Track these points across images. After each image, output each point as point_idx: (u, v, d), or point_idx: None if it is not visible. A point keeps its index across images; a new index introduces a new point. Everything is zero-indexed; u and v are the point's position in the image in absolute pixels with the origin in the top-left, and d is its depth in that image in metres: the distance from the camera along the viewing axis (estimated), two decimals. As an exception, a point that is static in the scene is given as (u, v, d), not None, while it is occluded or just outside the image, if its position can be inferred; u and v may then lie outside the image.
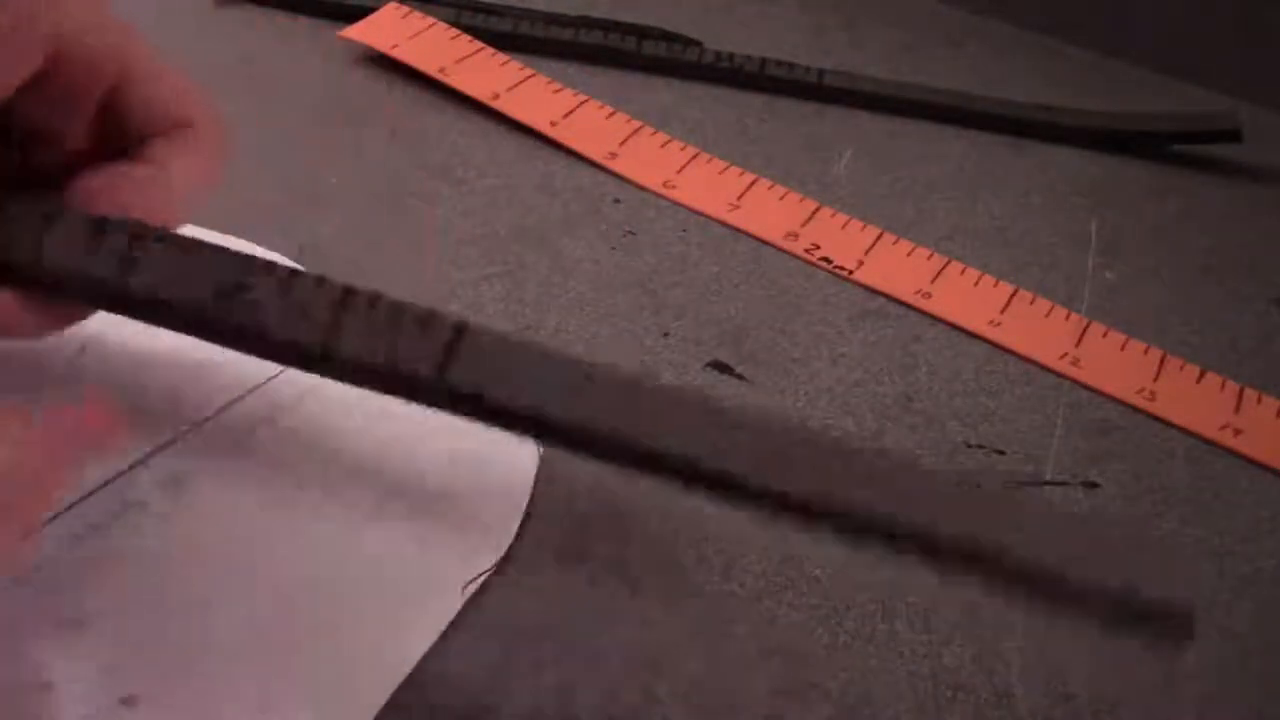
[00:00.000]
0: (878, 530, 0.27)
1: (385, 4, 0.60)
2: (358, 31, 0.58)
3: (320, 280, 0.29)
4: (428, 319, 0.29)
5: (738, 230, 0.50)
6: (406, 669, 0.31)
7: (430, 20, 0.59)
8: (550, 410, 0.28)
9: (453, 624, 0.33)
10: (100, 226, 0.29)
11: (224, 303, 0.28)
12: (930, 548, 0.26)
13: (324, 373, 0.29)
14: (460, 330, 0.29)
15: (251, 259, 0.29)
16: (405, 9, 0.59)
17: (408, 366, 0.28)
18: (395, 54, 0.57)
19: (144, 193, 0.31)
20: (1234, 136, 0.57)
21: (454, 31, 0.59)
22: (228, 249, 0.29)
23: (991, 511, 0.26)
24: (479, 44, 0.58)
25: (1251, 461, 0.42)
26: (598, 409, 0.28)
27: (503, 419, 0.28)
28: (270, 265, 0.29)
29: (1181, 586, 0.26)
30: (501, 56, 0.58)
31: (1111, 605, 0.26)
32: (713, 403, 0.29)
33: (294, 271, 0.29)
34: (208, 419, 0.37)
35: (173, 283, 0.29)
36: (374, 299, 0.29)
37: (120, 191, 0.31)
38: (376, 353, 0.28)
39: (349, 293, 0.29)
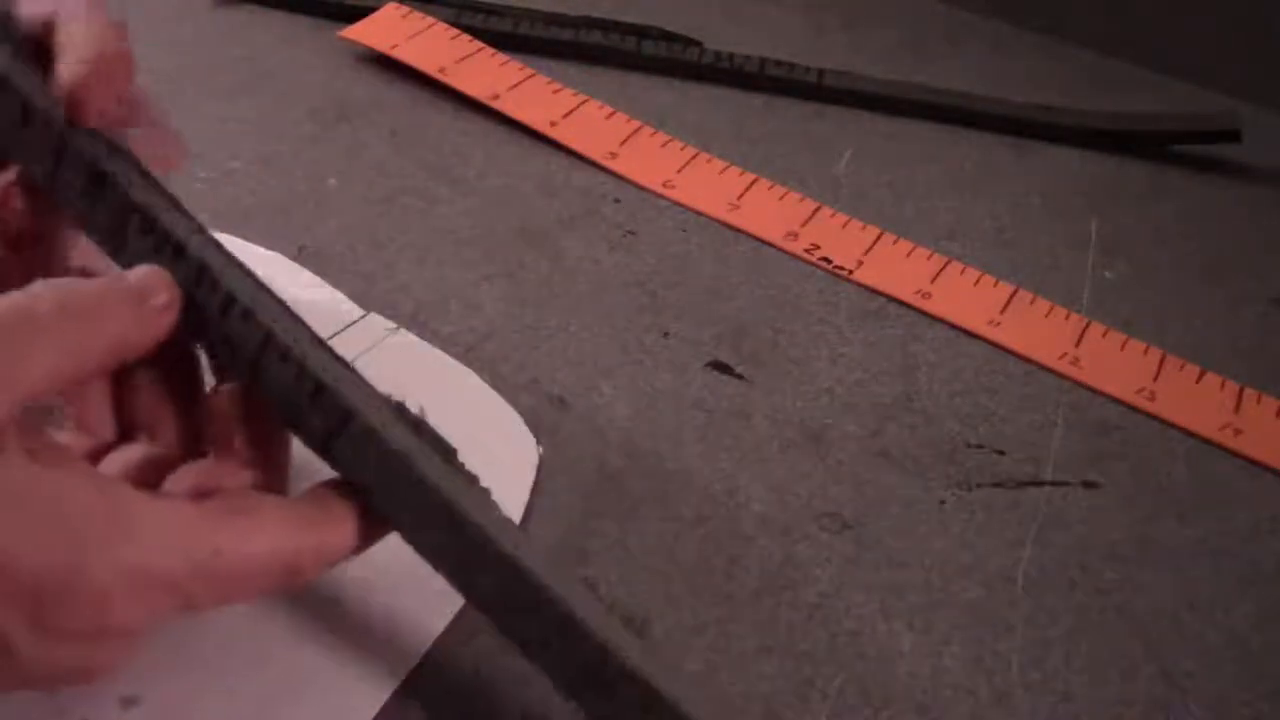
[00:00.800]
0: None
1: (385, 4, 0.60)
2: (358, 32, 0.58)
3: (270, 299, 0.30)
4: (316, 394, 0.29)
5: (738, 230, 0.50)
6: (406, 669, 0.32)
7: (430, 20, 0.59)
8: (404, 527, 0.29)
9: (452, 626, 0.33)
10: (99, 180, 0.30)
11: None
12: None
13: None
14: (346, 419, 0.29)
15: (205, 265, 0.30)
16: (405, 9, 0.59)
17: (302, 436, 0.29)
18: (395, 54, 0.57)
19: None
20: (1234, 136, 0.57)
21: (454, 31, 0.59)
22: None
23: None
24: (479, 44, 0.58)
25: (1251, 461, 0.42)
26: (438, 544, 0.29)
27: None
28: (223, 274, 0.30)
29: None
30: (501, 56, 0.58)
31: None
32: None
33: (231, 298, 0.29)
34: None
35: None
36: (285, 353, 0.29)
37: None
38: (282, 409, 0.29)
39: (277, 329, 0.29)
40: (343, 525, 0.28)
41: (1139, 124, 0.58)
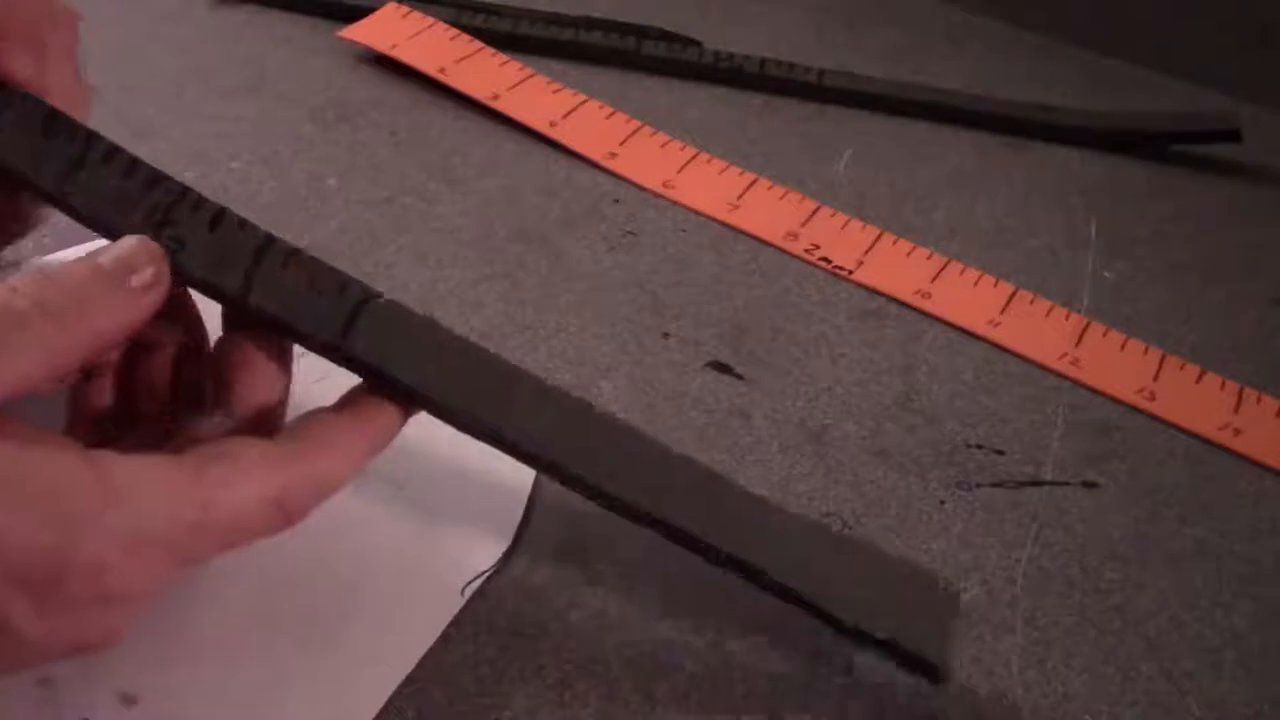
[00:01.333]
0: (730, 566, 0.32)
1: (385, 4, 0.60)
2: (357, 32, 0.58)
3: (243, 224, 0.30)
4: (345, 284, 0.30)
5: (738, 230, 0.50)
6: (407, 669, 0.32)
7: (430, 20, 0.59)
8: (434, 392, 0.30)
9: (452, 624, 0.33)
10: (52, 121, 0.30)
11: (151, 231, 0.29)
12: (761, 583, 0.32)
13: (240, 313, 0.30)
14: (365, 299, 0.30)
15: (186, 192, 0.29)
16: (405, 9, 0.59)
17: (310, 329, 0.29)
18: (395, 54, 0.57)
19: None
20: (1234, 136, 0.57)
21: (454, 31, 0.59)
22: (167, 178, 0.30)
23: (810, 557, 0.32)
24: (479, 44, 0.58)
25: (1251, 461, 0.42)
26: (482, 400, 0.30)
27: (398, 392, 0.30)
28: (200, 201, 0.29)
29: (942, 636, 0.32)
30: (501, 56, 0.58)
31: (881, 650, 0.31)
32: (592, 412, 0.32)
33: (222, 211, 0.30)
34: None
35: (106, 204, 0.29)
36: (291, 253, 0.30)
37: None
38: (283, 309, 0.29)
39: (269, 241, 0.30)
40: (329, 451, 0.28)
41: (1139, 124, 0.58)
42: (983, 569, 0.37)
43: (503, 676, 0.32)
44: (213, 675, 0.31)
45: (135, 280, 0.27)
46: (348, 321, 0.29)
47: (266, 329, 0.29)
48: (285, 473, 0.27)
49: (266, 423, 0.30)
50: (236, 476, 0.27)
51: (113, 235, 0.29)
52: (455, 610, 0.33)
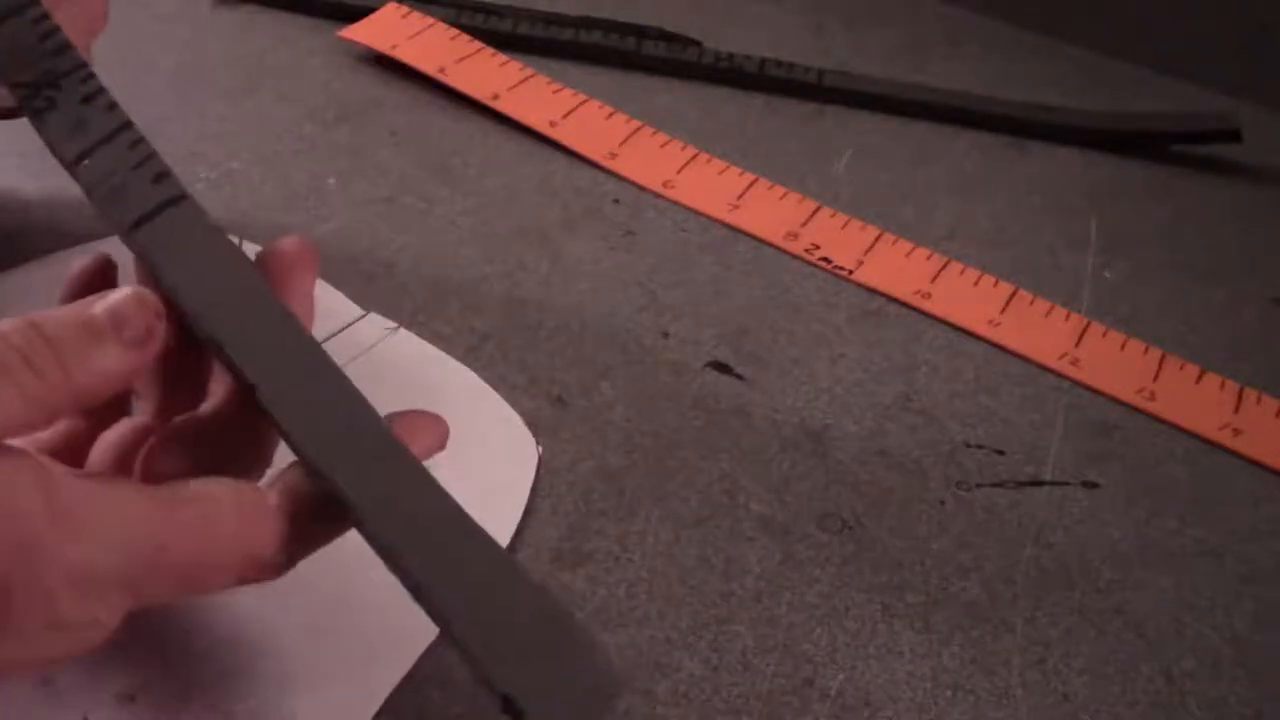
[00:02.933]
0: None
1: (385, 4, 0.60)
2: (357, 31, 0.58)
3: (111, 107, 0.30)
4: (160, 177, 0.30)
5: (738, 230, 0.50)
6: (406, 667, 0.32)
7: (430, 20, 0.59)
8: (203, 320, 0.28)
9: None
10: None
11: (33, 90, 0.30)
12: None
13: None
14: (175, 200, 0.30)
15: (82, 66, 0.30)
16: (405, 9, 0.59)
17: (111, 213, 0.29)
18: (395, 54, 0.57)
19: None
20: (1234, 136, 0.57)
21: (454, 31, 0.59)
22: (72, 49, 0.31)
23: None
24: (479, 44, 0.58)
25: (1251, 461, 0.42)
26: (243, 329, 0.28)
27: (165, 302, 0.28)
28: (89, 77, 0.30)
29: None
30: (501, 56, 0.58)
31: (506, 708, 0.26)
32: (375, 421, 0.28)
33: (99, 90, 0.30)
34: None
35: (11, 55, 0.31)
36: (139, 141, 0.30)
37: None
38: (100, 188, 0.29)
39: (122, 128, 0.30)
40: (306, 515, 0.27)
41: (1139, 124, 0.58)
42: (983, 569, 0.37)
43: (503, 676, 0.32)
44: (211, 674, 0.31)
45: (127, 334, 0.26)
46: (146, 214, 0.29)
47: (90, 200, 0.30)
48: (258, 531, 0.27)
49: (257, 450, 0.29)
50: (206, 525, 0.26)
51: (4, 82, 0.30)
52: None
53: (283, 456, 0.28)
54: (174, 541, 0.25)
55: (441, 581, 0.26)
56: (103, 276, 0.30)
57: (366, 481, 0.27)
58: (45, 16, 0.31)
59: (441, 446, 0.30)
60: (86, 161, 0.30)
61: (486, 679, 0.26)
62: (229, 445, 0.28)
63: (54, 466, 0.25)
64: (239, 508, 0.27)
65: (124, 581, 0.25)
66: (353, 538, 0.34)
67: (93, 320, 0.26)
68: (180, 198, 0.30)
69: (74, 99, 0.30)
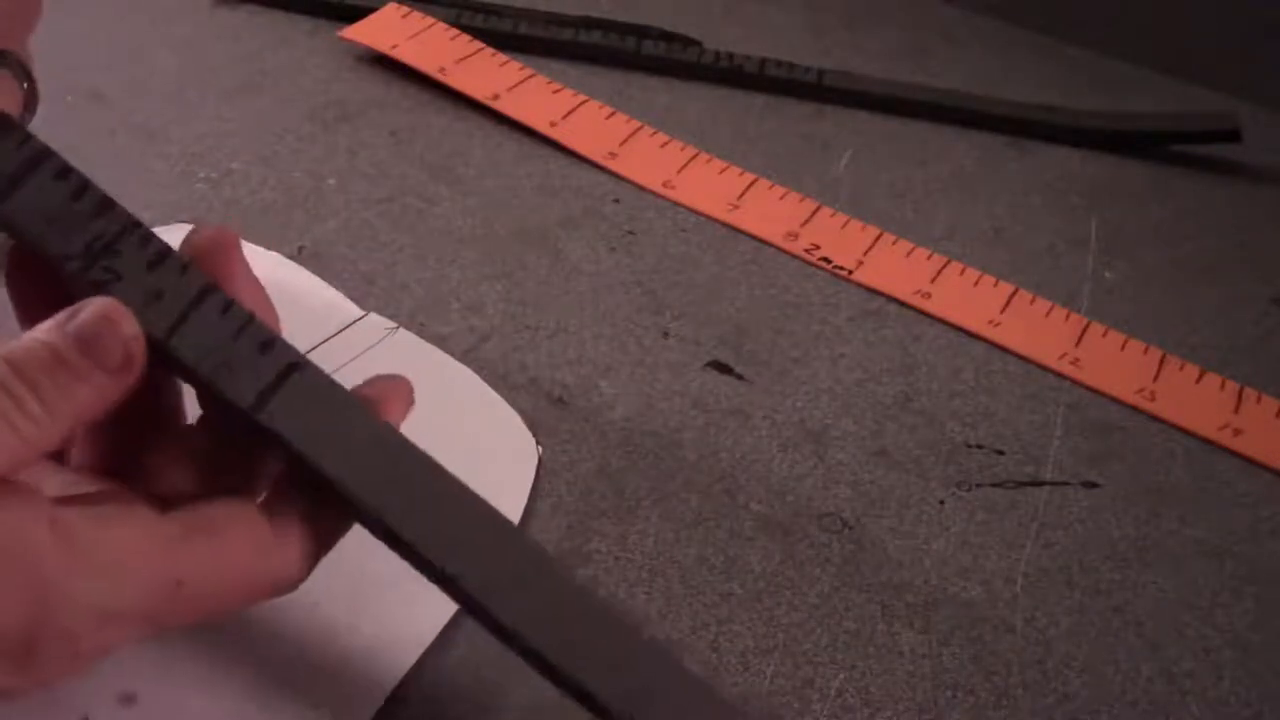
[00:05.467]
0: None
1: (385, 4, 0.60)
2: (357, 31, 0.58)
3: (185, 269, 0.28)
4: (268, 345, 0.28)
5: (738, 230, 0.50)
6: (406, 667, 0.32)
7: (430, 20, 0.59)
8: (347, 483, 0.27)
9: (452, 623, 0.33)
10: (2, 128, 0.28)
11: (87, 262, 0.27)
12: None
13: (157, 361, 0.28)
14: (293, 367, 0.28)
15: (135, 224, 0.28)
16: (405, 9, 0.59)
17: (230, 390, 0.27)
18: (395, 54, 0.57)
19: None
20: (1234, 136, 0.57)
21: (454, 31, 0.59)
22: (116, 206, 0.28)
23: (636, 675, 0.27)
24: (479, 44, 0.58)
25: (1251, 461, 0.42)
26: (392, 498, 0.28)
27: (305, 472, 0.28)
28: (148, 238, 0.28)
29: None
30: (501, 56, 0.58)
31: None
32: (513, 532, 0.29)
33: (166, 251, 0.28)
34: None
35: (48, 224, 0.27)
36: (227, 305, 0.28)
37: None
38: (203, 364, 0.27)
39: (206, 291, 0.28)
40: (315, 530, 0.28)
41: (1139, 124, 0.58)
42: (983, 569, 0.37)
43: (503, 676, 0.32)
44: (212, 675, 0.31)
45: (106, 363, 0.26)
46: (270, 387, 0.27)
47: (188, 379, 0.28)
48: (276, 558, 0.27)
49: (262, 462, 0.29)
50: (223, 557, 0.26)
51: (48, 257, 0.27)
52: (455, 608, 0.33)
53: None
54: (190, 574, 0.26)
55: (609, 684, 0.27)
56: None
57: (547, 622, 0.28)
58: (68, 169, 0.28)
59: (409, 405, 0.31)
60: (176, 337, 0.27)
61: None
62: (232, 458, 0.28)
63: (65, 508, 0.25)
64: (253, 533, 0.27)
65: (143, 615, 0.25)
66: (353, 538, 0.34)
67: (66, 354, 0.25)
68: (298, 364, 0.28)
69: (139, 265, 0.27)
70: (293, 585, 0.28)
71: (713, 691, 0.28)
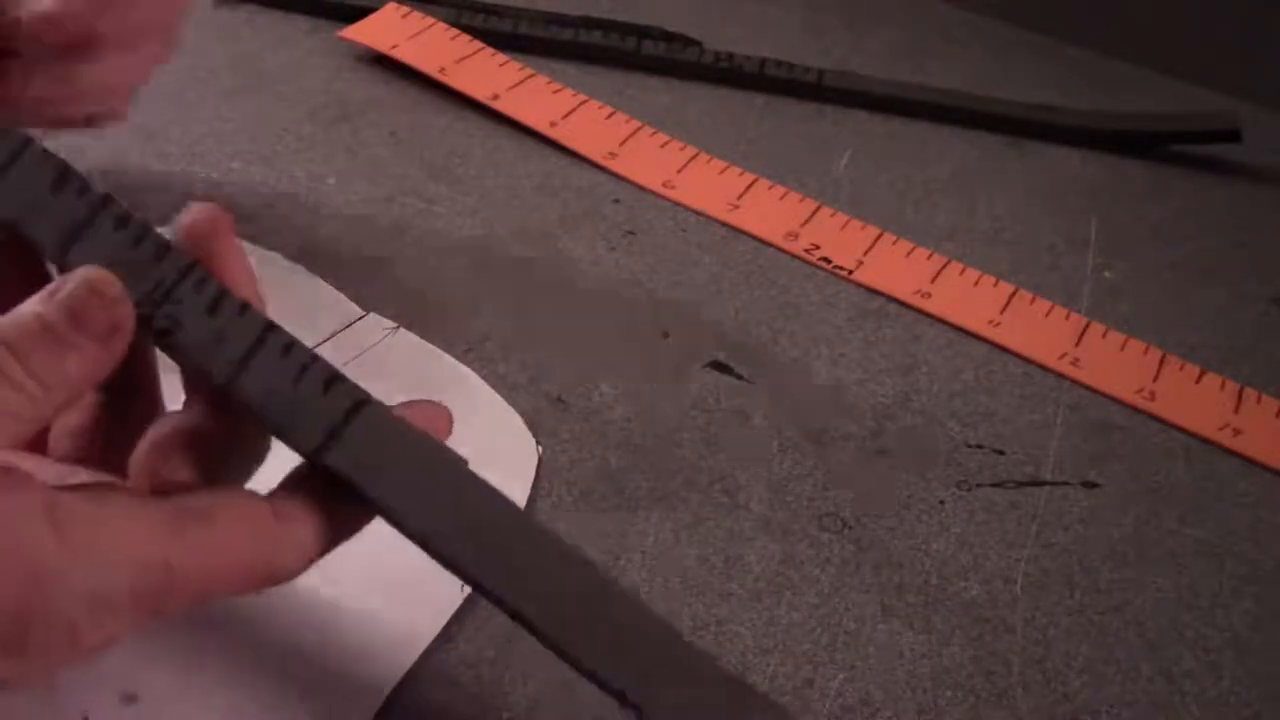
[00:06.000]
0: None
1: (385, 4, 0.60)
2: (357, 31, 0.58)
3: (244, 309, 0.28)
4: (330, 383, 0.28)
5: (738, 230, 0.50)
6: (406, 666, 0.32)
7: (430, 20, 0.59)
8: (413, 522, 0.28)
9: (452, 623, 0.33)
10: (63, 176, 0.28)
11: (150, 310, 0.27)
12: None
13: (223, 402, 0.28)
14: (357, 407, 0.28)
15: (190, 266, 0.28)
16: (405, 9, 0.59)
17: (294, 432, 0.27)
18: (395, 54, 0.57)
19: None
20: (1234, 136, 0.57)
21: (454, 31, 0.59)
22: (171, 247, 0.28)
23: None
24: (479, 44, 0.58)
25: (1251, 461, 0.42)
26: (463, 536, 0.28)
27: (373, 509, 0.28)
28: (204, 280, 0.28)
29: None
30: (501, 57, 0.58)
31: None
32: (585, 567, 0.29)
33: (223, 293, 0.28)
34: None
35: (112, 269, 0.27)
36: (289, 346, 0.28)
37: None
38: (270, 407, 0.27)
39: (267, 331, 0.28)
40: (316, 521, 0.27)
41: (1139, 124, 0.58)
42: (983, 569, 0.37)
43: (503, 676, 0.32)
44: (212, 674, 0.31)
45: (95, 331, 0.26)
46: (335, 429, 0.27)
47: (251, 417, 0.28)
48: (271, 544, 0.27)
49: (255, 438, 0.29)
50: (217, 544, 0.26)
51: None
52: (455, 607, 0.33)
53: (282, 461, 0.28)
54: (186, 561, 0.25)
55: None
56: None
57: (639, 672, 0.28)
58: (127, 216, 0.28)
59: (448, 434, 0.30)
60: (242, 379, 0.27)
61: None
62: (223, 447, 0.28)
63: (60, 492, 0.25)
64: (249, 520, 0.27)
65: (139, 602, 0.25)
66: (353, 538, 0.34)
67: (55, 324, 0.26)
68: (363, 403, 0.28)
69: (199, 310, 0.27)
70: (291, 574, 0.28)
71: (721, 670, 0.28)
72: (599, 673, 0.27)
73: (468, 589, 0.33)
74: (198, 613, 0.32)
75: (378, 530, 0.35)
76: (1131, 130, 0.58)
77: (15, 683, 0.25)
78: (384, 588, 0.33)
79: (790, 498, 0.39)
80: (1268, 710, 0.34)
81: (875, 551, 0.37)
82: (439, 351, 0.42)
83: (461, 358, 0.42)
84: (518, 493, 0.37)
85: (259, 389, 0.27)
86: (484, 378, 0.41)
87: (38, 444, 0.29)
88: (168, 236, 0.28)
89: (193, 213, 0.29)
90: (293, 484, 0.28)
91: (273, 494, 0.28)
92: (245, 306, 0.28)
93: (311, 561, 0.28)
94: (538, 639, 0.28)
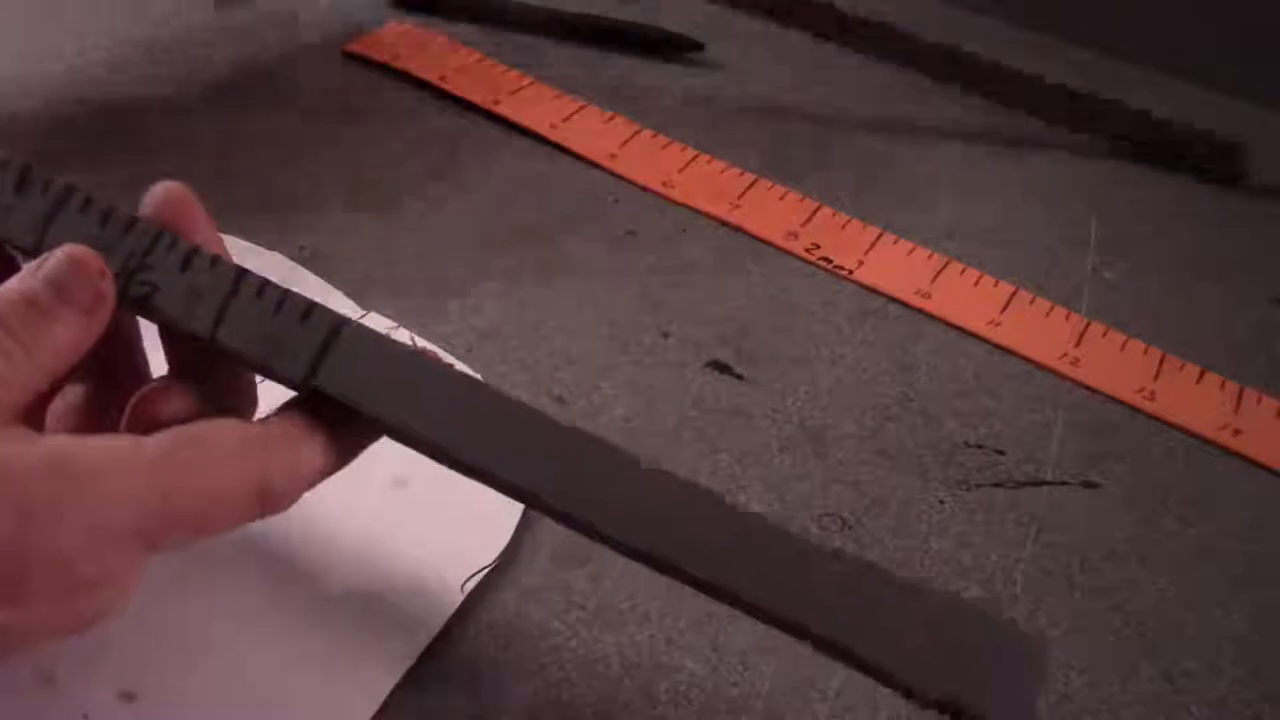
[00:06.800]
0: (762, 616, 0.28)
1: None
2: (361, 46, 0.58)
3: (214, 262, 0.28)
4: (308, 313, 0.28)
5: (738, 230, 0.50)
6: (406, 666, 0.32)
7: (431, 34, 0.59)
8: (414, 426, 0.28)
9: (452, 623, 0.33)
10: (25, 177, 0.29)
11: (125, 280, 0.28)
12: (804, 637, 0.28)
13: (210, 357, 0.29)
14: (336, 330, 0.28)
15: (160, 234, 0.28)
16: (406, 26, 0.60)
17: (280, 366, 0.28)
18: (396, 64, 0.57)
19: None
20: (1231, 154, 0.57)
21: (455, 45, 0.59)
22: (140, 220, 0.29)
23: (855, 607, 0.28)
24: (479, 54, 0.58)
25: (1251, 461, 0.42)
26: (462, 429, 0.28)
27: (370, 426, 0.28)
28: (173, 242, 0.29)
29: (1021, 697, 0.27)
30: (502, 66, 0.58)
31: (942, 708, 0.27)
32: (596, 442, 0.29)
33: (194, 250, 0.29)
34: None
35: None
36: (263, 287, 0.29)
37: None
38: (253, 347, 0.28)
39: (239, 279, 0.28)
40: (314, 440, 0.27)
41: (1145, 130, 0.58)
42: (983, 569, 0.37)
43: (503, 676, 0.32)
44: (212, 673, 0.31)
45: (78, 302, 0.27)
46: (318, 354, 0.28)
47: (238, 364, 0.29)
48: (264, 461, 0.27)
49: (237, 391, 0.29)
50: (209, 464, 0.26)
51: None
52: (455, 606, 0.33)
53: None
54: (179, 485, 0.25)
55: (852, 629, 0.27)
56: None
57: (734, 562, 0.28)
58: (90, 199, 0.29)
59: None
60: (222, 328, 0.28)
61: (924, 694, 0.27)
62: (209, 401, 0.28)
63: (53, 435, 0.25)
64: (239, 442, 0.27)
65: (136, 532, 0.25)
66: (353, 538, 0.34)
67: (36, 296, 0.26)
68: (341, 324, 0.28)
69: (173, 270, 0.28)
70: (287, 496, 0.27)
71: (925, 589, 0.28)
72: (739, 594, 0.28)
73: (468, 589, 0.34)
74: (198, 612, 0.32)
75: (378, 530, 0.35)
76: (1133, 135, 0.58)
77: (13, 634, 0.25)
78: (384, 588, 0.33)
79: (790, 497, 0.39)
80: (1268, 710, 0.34)
81: (875, 551, 0.37)
82: (439, 351, 0.42)
83: (462, 357, 0.42)
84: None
85: (241, 333, 0.28)
86: (484, 377, 0.41)
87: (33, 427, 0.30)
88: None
89: (158, 190, 0.29)
90: (280, 411, 0.28)
91: (262, 419, 0.28)
92: (216, 259, 0.29)
93: (305, 484, 0.28)
94: (600, 539, 0.28)
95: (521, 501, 0.29)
